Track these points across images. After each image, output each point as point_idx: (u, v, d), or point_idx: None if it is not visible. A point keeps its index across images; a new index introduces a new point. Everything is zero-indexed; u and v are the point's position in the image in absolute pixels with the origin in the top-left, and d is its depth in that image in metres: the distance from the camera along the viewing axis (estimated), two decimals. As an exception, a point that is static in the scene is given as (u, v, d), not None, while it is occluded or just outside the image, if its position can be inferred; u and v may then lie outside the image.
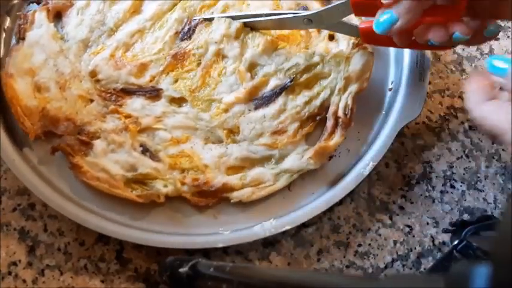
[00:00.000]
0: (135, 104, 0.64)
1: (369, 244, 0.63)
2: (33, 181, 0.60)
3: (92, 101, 0.64)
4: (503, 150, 0.68)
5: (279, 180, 0.62)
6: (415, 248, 0.63)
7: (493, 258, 0.27)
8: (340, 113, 0.63)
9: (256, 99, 0.64)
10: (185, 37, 0.66)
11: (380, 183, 0.66)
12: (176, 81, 0.65)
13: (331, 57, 0.65)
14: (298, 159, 0.62)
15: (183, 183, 0.61)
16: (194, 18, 0.67)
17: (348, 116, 0.63)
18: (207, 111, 0.64)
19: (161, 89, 0.65)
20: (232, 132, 0.64)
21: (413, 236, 0.64)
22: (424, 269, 0.62)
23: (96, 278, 0.60)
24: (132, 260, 0.61)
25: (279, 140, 0.63)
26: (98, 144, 0.61)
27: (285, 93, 0.64)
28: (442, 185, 0.66)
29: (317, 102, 0.64)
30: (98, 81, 0.65)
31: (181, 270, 0.50)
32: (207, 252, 0.61)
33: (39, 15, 0.66)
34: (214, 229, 0.61)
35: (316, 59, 0.65)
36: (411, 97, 0.66)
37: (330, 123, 0.64)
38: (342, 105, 0.64)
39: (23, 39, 0.65)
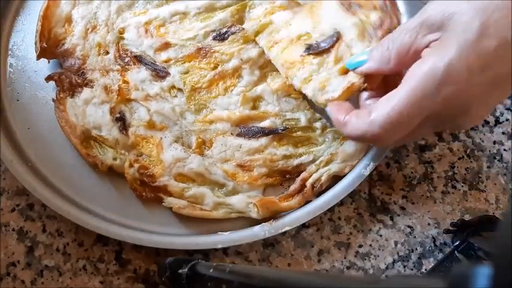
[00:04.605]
0: (139, 74, 0.65)
1: (370, 245, 0.63)
2: (32, 182, 0.60)
3: (107, 53, 0.66)
4: (505, 150, 0.68)
5: (216, 210, 0.60)
6: (416, 249, 0.63)
7: (495, 259, 0.27)
8: (308, 183, 0.61)
9: (244, 127, 0.64)
10: (218, 38, 0.67)
11: (381, 183, 0.66)
12: (187, 72, 0.66)
13: (331, 130, 0.64)
14: (244, 200, 0.61)
15: (131, 165, 0.61)
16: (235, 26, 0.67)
17: (315, 189, 0.61)
18: (195, 114, 0.64)
19: (169, 73, 0.65)
20: (204, 144, 0.63)
21: (415, 237, 0.64)
22: (425, 269, 0.62)
23: (95, 278, 0.60)
24: (132, 260, 0.61)
25: (240, 175, 0.62)
26: (86, 92, 0.64)
27: (271, 137, 0.63)
28: (444, 186, 0.66)
29: (294, 162, 0.63)
30: (122, 38, 0.67)
31: (180, 271, 0.50)
32: (207, 253, 0.61)
33: None
34: (213, 230, 0.60)
35: (318, 124, 0.64)
36: (412, 97, 0.65)
37: (294, 186, 0.62)
38: (315, 176, 0.62)
39: None
